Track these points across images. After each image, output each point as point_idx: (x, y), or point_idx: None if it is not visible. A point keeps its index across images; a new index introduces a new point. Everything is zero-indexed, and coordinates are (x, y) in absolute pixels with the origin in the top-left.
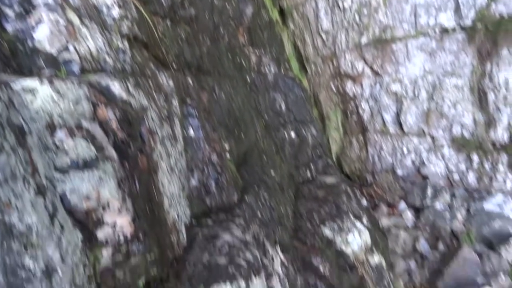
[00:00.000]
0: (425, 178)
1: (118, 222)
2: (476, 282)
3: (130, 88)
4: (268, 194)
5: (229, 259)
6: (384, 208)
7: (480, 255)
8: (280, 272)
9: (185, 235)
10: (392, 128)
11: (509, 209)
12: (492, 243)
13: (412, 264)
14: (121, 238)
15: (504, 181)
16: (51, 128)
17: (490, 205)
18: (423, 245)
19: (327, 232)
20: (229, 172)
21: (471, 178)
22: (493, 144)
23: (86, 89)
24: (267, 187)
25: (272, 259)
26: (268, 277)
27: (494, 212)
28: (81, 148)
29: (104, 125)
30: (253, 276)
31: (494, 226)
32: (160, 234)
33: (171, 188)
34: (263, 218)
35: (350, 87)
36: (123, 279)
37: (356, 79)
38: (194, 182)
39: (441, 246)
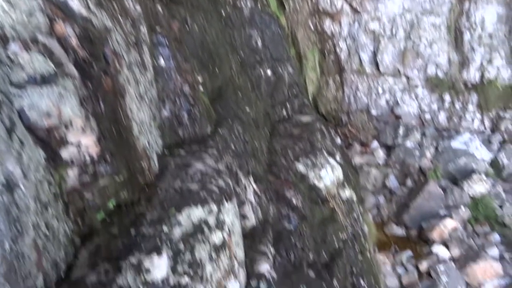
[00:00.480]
0: (398, 118)
1: (83, 141)
2: (438, 214)
3: (91, 6)
4: (242, 128)
5: (201, 186)
6: (357, 146)
7: (444, 190)
8: (253, 200)
9: (156, 163)
10: (368, 68)
11: (474, 147)
12: (456, 179)
13: (381, 199)
14: (87, 158)
15: (472, 120)
16: (3, 40)
17: (457, 143)
18: (392, 181)
19: (300, 167)
20: (202, 104)
21: (442, 117)
22: (465, 84)
23: (40, 1)
24: (242, 122)
25: (245, 188)
26: (241, 204)
27: (460, 149)
28: (38, 63)
29: (62, 41)
30: (225, 201)
31: (459, 163)
32: (129, 158)
33: (141, 115)
34: (236, 150)
35: (328, 25)
36: (92, 200)
37: (334, 16)
38: (165, 112)
39: (409, 182)
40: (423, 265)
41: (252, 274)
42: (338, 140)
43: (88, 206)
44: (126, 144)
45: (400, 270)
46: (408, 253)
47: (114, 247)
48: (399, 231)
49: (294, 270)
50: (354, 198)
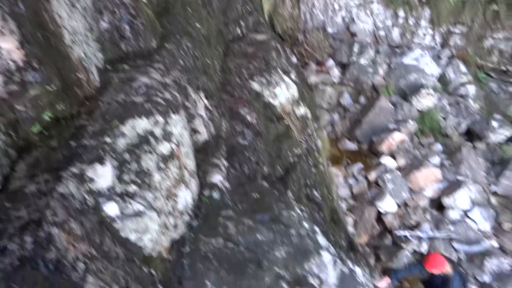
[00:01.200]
0: (353, 35)
1: (4, 46)
2: (388, 128)
3: None
4: (192, 44)
5: (146, 98)
6: (313, 65)
7: (394, 105)
8: (204, 115)
9: (97, 77)
10: None
11: (425, 62)
12: (406, 94)
13: (336, 116)
14: (11, 64)
15: (424, 36)
16: None
17: (408, 59)
18: (346, 99)
19: (255, 85)
20: (145, 16)
21: (395, 34)
22: None
23: None
24: (191, 38)
25: (195, 102)
26: (191, 119)
27: (411, 65)
28: None
29: None
30: (171, 113)
31: (410, 78)
32: (62, 67)
33: (73, 23)
34: (185, 65)
35: None
36: (25, 111)
37: None
38: (104, 24)
39: (362, 99)
40: (372, 175)
41: (205, 184)
42: (294, 59)
43: (20, 118)
44: (56, 52)
45: (351, 181)
46: (359, 165)
47: (54, 159)
48: (351, 145)
49: (248, 181)
50: (309, 115)
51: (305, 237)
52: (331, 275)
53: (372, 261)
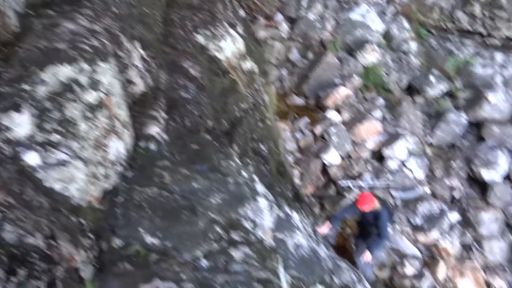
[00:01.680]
0: None
1: None
2: (334, 83)
3: None
4: None
5: (70, 45)
6: (262, 20)
7: (341, 60)
8: (140, 66)
9: (16, 22)
10: None
11: (370, 18)
12: (352, 50)
13: (284, 72)
14: None
15: None
16: None
17: (355, 15)
18: (294, 54)
19: (200, 38)
20: None
21: None
22: None
23: None
24: None
25: (129, 52)
26: (124, 68)
27: (358, 21)
28: None
29: None
30: (99, 61)
31: (356, 34)
32: None
33: None
34: (119, 13)
35: None
36: None
37: None
38: None
39: (310, 55)
40: (318, 129)
41: (141, 136)
42: (242, 13)
43: None
44: None
45: (298, 135)
46: (305, 119)
47: None
48: (299, 100)
49: (188, 134)
50: (256, 70)
51: (243, 185)
52: (267, 219)
53: (317, 210)
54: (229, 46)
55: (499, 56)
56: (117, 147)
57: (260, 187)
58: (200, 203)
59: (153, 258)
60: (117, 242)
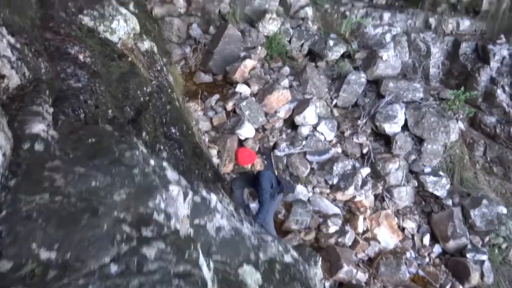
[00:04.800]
0: None
1: None
2: (239, 56)
3: None
4: None
5: None
6: None
7: (243, 32)
8: (11, 55)
9: None
10: None
11: None
12: (253, 20)
13: (187, 49)
14: None
15: None
16: None
17: None
18: (195, 30)
19: (86, 20)
20: None
21: None
22: None
23: None
24: None
25: None
26: None
27: None
28: None
29: None
30: None
31: (254, 4)
32: None
33: None
34: None
35: None
36: None
37: None
38: None
39: (211, 29)
40: (229, 105)
41: (23, 136)
42: None
43: None
44: None
45: (210, 113)
46: (216, 96)
47: None
48: (206, 78)
49: (83, 127)
50: (155, 50)
51: (151, 174)
52: (181, 207)
53: None
54: (121, 26)
55: (386, 16)
56: None
57: (171, 174)
58: (102, 203)
59: (52, 275)
60: (5, 265)
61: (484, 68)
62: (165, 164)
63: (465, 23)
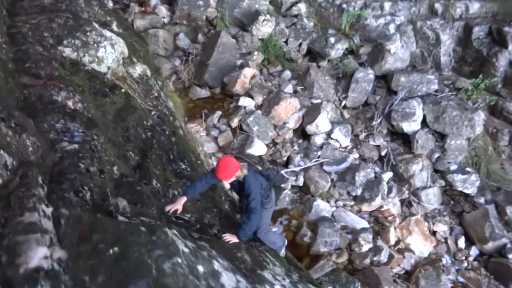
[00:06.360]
0: None
1: None
2: (236, 64)
3: None
4: None
5: None
6: (135, 7)
7: (235, 38)
8: None
9: None
10: None
11: None
12: (244, 24)
13: (177, 62)
14: None
15: None
16: None
17: None
18: (183, 40)
19: (68, 52)
20: None
21: None
22: None
23: None
24: None
25: None
26: None
27: None
28: None
29: None
30: None
31: (243, 6)
32: None
33: None
34: None
35: None
36: None
37: None
38: None
39: (200, 38)
40: (234, 121)
41: (18, 280)
42: (110, 3)
43: None
44: None
45: (214, 132)
46: (217, 113)
47: None
48: (203, 92)
49: (96, 224)
50: (148, 72)
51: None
52: None
53: None
54: (109, 53)
55: (387, 5)
56: None
57: (226, 279)
58: None
59: None
60: None
61: (502, 52)
62: (216, 265)
63: (475, 6)
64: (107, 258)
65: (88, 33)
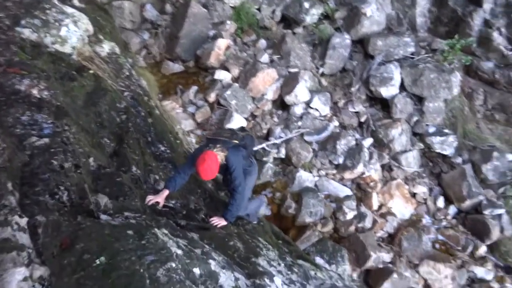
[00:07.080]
0: None
1: None
2: (208, 35)
3: None
4: None
5: None
6: None
7: (206, 7)
8: None
9: None
10: None
11: None
12: None
13: (145, 35)
14: None
15: None
16: None
17: None
18: (150, 11)
19: (27, 33)
20: None
21: None
22: None
23: None
24: None
25: None
26: None
27: None
28: None
29: None
30: None
31: None
32: None
33: None
34: None
35: None
36: None
37: None
38: None
39: (168, 8)
40: (211, 96)
41: None
42: None
43: None
44: None
45: (190, 108)
46: (193, 88)
47: None
48: (176, 66)
49: (78, 234)
50: (117, 50)
51: None
52: None
53: None
54: (72, 32)
55: None
56: None
57: (224, 278)
58: None
59: None
60: None
61: (476, 11)
62: (213, 265)
63: None
64: (94, 270)
65: (48, 11)
